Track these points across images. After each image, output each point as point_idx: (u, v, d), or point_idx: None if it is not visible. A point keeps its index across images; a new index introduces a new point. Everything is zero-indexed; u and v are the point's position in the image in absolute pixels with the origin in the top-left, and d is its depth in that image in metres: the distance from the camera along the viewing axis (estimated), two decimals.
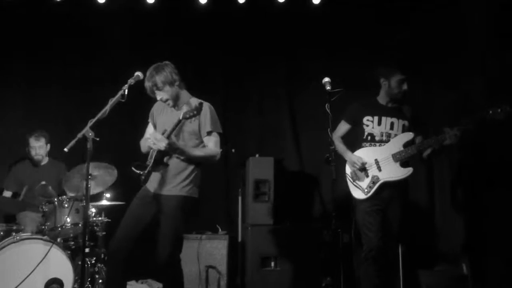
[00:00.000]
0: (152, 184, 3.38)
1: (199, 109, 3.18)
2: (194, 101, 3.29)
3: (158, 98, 3.34)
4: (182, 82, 3.40)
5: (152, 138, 3.21)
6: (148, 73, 3.32)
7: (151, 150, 3.30)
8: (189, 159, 3.33)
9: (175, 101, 3.38)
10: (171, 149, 3.20)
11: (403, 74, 3.72)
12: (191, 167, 3.35)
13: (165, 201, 3.30)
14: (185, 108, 3.29)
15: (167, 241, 3.22)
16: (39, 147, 4.80)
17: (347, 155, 3.84)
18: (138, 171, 3.25)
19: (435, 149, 3.70)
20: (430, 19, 5.01)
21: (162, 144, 3.14)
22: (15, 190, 4.79)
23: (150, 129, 3.57)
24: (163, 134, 3.22)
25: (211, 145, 3.36)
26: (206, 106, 3.37)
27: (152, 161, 3.25)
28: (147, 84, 3.30)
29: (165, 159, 3.31)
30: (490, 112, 3.52)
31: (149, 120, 3.59)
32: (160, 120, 3.47)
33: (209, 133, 3.36)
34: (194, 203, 3.38)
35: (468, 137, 3.83)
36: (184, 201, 3.31)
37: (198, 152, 3.34)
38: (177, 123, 3.20)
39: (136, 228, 3.29)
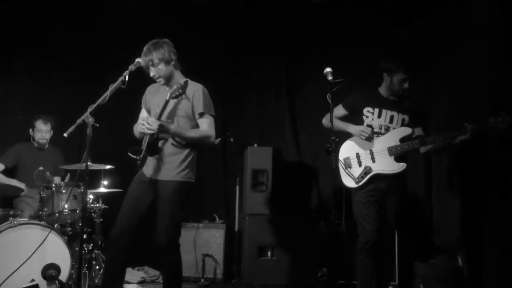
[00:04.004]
0: (148, 169, 3.35)
1: (184, 86, 3.14)
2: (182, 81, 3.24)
3: (152, 74, 3.30)
4: (178, 62, 3.36)
5: (144, 122, 3.16)
6: (145, 48, 3.28)
7: (145, 135, 3.26)
8: (184, 143, 3.29)
9: (168, 81, 3.34)
10: (164, 131, 3.16)
11: (405, 73, 3.70)
12: (186, 151, 3.32)
13: (162, 186, 3.28)
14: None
15: (165, 226, 3.21)
16: (45, 131, 4.80)
17: (350, 127, 3.80)
18: (134, 156, 3.23)
19: (440, 146, 3.69)
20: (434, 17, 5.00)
21: (154, 126, 3.11)
22: (9, 166, 4.74)
23: (143, 114, 3.52)
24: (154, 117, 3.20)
25: (205, 126, 3.31)
26: (200, 88, 3.34)
27: (146, 145, 3.22)
28: (143, 59, 3.25)
29: (159, 143, 3.28)
30: (491, 120, 3.54)
31: (142, 105, 3.54)
32: (153, 103, 3.42)
33: (201, 115, 3.31)
34: (191, 187, 3.35)
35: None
36: (181, 186, 3.28)
37: (192, 133, 3.29)
38: (164, 103, 3.16)
39: (135, 215, 3.27)
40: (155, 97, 3.44)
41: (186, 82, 3.18)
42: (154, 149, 3.26)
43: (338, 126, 3.83)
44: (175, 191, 3.26)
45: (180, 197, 3.29)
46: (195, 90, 3.32)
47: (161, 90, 3.42)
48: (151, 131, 3.15)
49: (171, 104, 3.25)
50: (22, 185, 4.55)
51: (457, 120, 3.72)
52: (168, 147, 3.30)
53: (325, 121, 3.91)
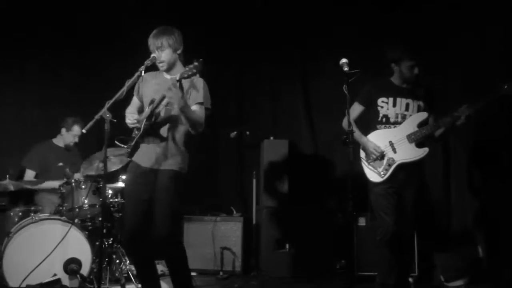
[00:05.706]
0: (141, 158, 3.22)
1: (197, 66, 2.93)
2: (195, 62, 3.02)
3: (156, 55, 3.20)
4: (182, 53, 3.30)
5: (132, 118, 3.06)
6: (155, 31, 3.23)
7: (140, 123, 3.12)
8: (179, 132, 3.22)
9: (169, 68, 3.27)
10: (175, 88, 2.93)
11: (412, 60, 3.66)
12: (181, 140, 3.23)
13: (159, 175, 3.17)
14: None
15: (164, 217, 3.10)
16: (79, 136, 4.78)
17: (363, 141, 3.78)
18: (122, 145, 3.14)
19: (447, 128, 3.66)
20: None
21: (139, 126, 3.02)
22: (38, 171, 4.76)
23: (131, 108, 3.38)
24: (151, 102, 3.13)
25: (200, 115, 3.19)
26: (201, 80, 3.25)
27: (142, 131, 3.08)
28: (151, 41, 3.21)
29: (160, 130, 3.16)
30: (505, 87, 3.45)
31: (134, 92, 3.38)
32: (146, 92, 3.30)
33: (200, 104, 3.19)
34: (186, 177, 3.25)
35: (485, 118, 3.77)
36: (176, 176, 3.18)
37: (192, 113, 3.12)
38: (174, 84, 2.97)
39: (138, 211, 3.17)
40: (149, 84, 3.32)
41: (200, 62, 2.94)
42: (150, 135, 3.14)
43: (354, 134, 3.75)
44: (171, 181, 3.15)
45: (176, 187, 3.17)
46: (196, 79, 3.21)
47: (157, 77, 3.33)
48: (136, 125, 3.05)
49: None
50: (56, 183, 4.45)
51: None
52: (163, 136, 3.20)
53: (344, 124, 3.88)
